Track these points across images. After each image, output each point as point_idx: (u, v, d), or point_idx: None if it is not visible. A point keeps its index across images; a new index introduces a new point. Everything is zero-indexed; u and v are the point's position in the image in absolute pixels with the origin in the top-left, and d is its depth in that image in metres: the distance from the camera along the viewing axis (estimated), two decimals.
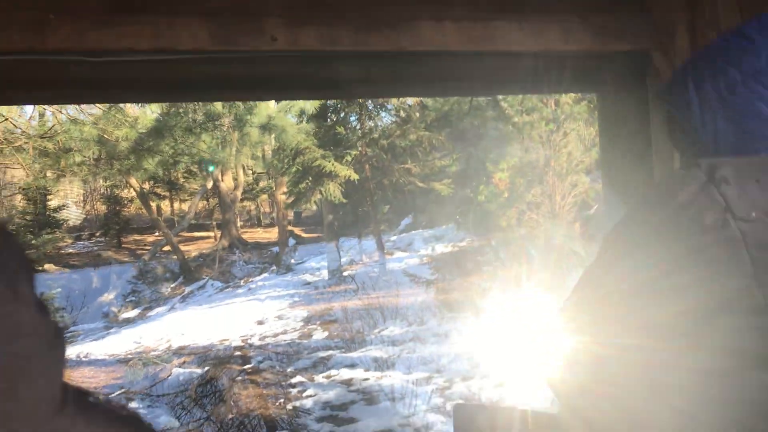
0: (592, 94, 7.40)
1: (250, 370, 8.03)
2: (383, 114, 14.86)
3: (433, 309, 9.98)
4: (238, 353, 9.10)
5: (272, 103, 12.12)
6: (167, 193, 26.69)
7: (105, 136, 10.28)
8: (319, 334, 9.68)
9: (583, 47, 1.82)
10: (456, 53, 1.78)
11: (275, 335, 10.06)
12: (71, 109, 10.65)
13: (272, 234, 23.90)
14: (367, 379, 6.93)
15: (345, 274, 14.90)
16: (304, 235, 24.20)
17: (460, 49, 1.76)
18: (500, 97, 10.49)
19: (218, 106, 10.30)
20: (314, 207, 17.89)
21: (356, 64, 1.80)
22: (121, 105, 9.76)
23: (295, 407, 6.41)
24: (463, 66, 1.98)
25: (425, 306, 10.26)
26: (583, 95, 9.47)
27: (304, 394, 6.76)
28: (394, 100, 13.93)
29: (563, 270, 8.68)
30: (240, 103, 10.14)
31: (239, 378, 7.65)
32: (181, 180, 24.98)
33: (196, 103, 9.76)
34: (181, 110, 10.36)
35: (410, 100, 14.50)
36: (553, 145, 9.63)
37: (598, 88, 2.10)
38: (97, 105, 9.57)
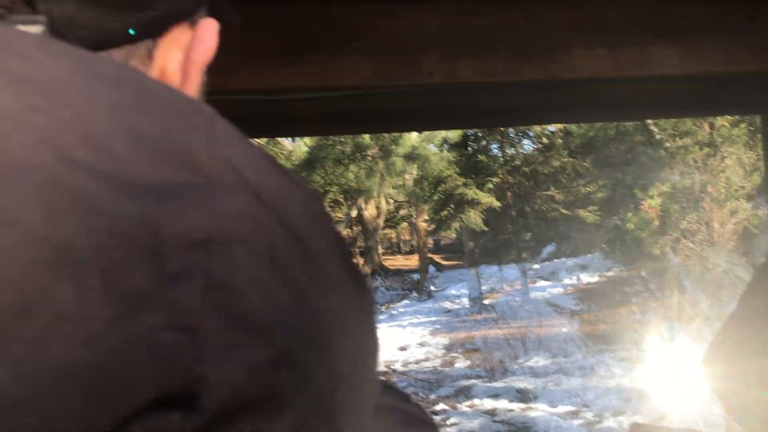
0: (754, 116, 6.93)
1: None
2: (525, 141, 14.72)
3: (578, 341, 9.65)
4: (381, 378, 9.27)
5: (415, 133, 12.42)
6: None
7: None
8: (461, 362, 9.65)
9: (745, 68, 1.76)
10: (608, 80, 1.79)
11: (417, 362, 10.14)
12: None
13: (412, 261, 24.17)
14: (511, 410, 6.82)
15: (486, 302, 14.76)
16: (444, 262, 24.27)
17: (614, 76, 1.76)
18: (649, 120, 10.08)
19: (366, 138, 10.72)
20: (454, 235, 17.92)
21: (509, 94, 1.86)
22: (278, 139, 10.41)
23: None
24: (614, 91, 1.98)
25: (569, 338, 9.94)
26: (741, 117, 8.87)
27: (448, 422, 6.77)
28: (537, 127, 13.79)
29: (723, 300, 8.11)
30: (386, 134, 10.50)
31: None
32: (328, 209, 25.96)
33: (351, 135, 10.21)
34: (330, 143, 10.89)
35: (552, 126, 14.26)
36: (709, 169, 9.08)
37: (762, 110, 2.01)
38: (256, 138, 10.22)
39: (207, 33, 0.41)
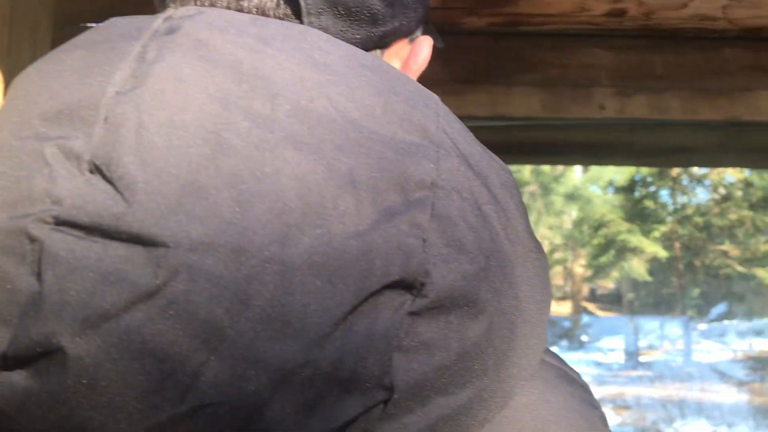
0: None
1: None
2: (699, 189, 13.82)
3: (745, 413, 8.80)
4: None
5: (578, 172, 12.10)
6: None
7: None
8: (611, 419, 9.15)
9: None
10: None
11: None
12: None
13: (564, 308, 23.35)
14: None
15: (642, 358, 13.90)
16: (598, 312, 23.22)
17: None
18: None
19: (526, 174, 10.62)
20: (612, 284, 17.12)
21: (684, 132, 1.79)
22: None
23: None
24: None
25: (736, 409, 9.10)
26: None
27: None
28: (714, 176, 12.90)
29: None
30: (546, 170, 10.33)
31: None
32: None
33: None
34: None
35: (731, 177, 13.28)
36: None
37: None
38: None
39: (423, 48, 0.51)
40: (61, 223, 0.28)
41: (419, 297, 0.31)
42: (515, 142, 1.89)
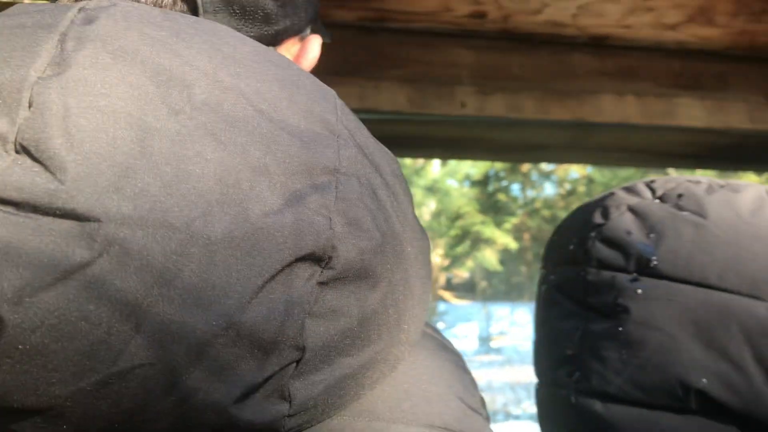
0: None
1: None
2: (546, 184, 14.76)
3: None
4: None
5: (436, 166, 12.51)
6: None
7: None
8: None
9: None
10: (636, 126, 1.84)
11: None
12: None
13: None
14: None
15: (493, 344, 14.67)
16: (454, 300, 24.17)
17: (641, 122, 1.82)
18: (671, 169, 10.09)
19: None
20: (466, 273, 17.87)
21: (537, 131, 1.92)
22: None
23: None
24: (640, 138, 2.03)
25: None
26: None
27: None
28: (560, 172, 13.82)
29: None
30: (409, 164, 10.58)
31: None
32: None
33: None
34: None
35: (575, 173, 14.30)
36: None
37: None
38: None
39: (313, 46, 0.55)
40: None
41: (327, 269, 0.35)
42: (383, 135, 1.93)
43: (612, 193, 0.62)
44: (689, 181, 0.60)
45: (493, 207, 13.74)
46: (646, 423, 0.52)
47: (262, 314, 0.32)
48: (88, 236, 0.29)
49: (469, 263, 14.43)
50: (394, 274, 0.39)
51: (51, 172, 0.29)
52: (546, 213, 13.67)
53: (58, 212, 0.29)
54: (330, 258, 0.35)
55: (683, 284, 0.51)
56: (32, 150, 0.30)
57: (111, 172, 0.30)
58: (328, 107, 0.39)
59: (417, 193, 11.57)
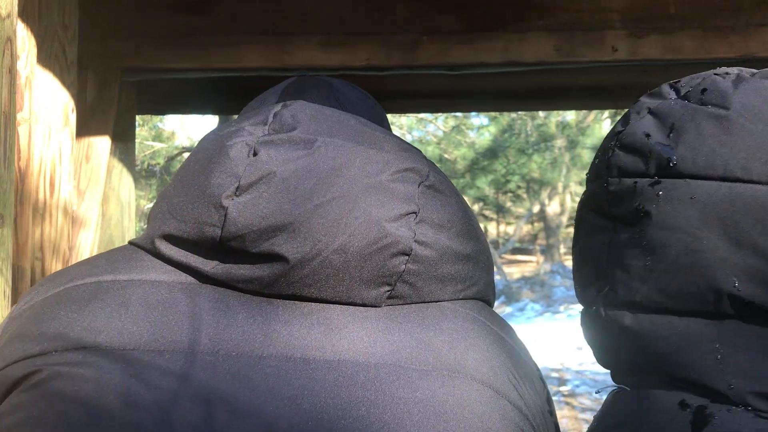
0: None
1: (566, 393, 7.99)
2: None
3: None
4: (554, 375, 9.10)
5: (605, 124, 11.91)
6: (495, 216, 27.61)
7: (446, 155, 11.20)
8: None
9: None
10: None
11: (593, 363, 9.80)
12: (416, 131, 11.80)
13: None
14: None
15: None
16: None
17: None
18: None
19: (552, 127, 10.50)
20: None
21: (698, 72, 1.80)
22: (463, 127, 10.54)
23: None
24: None
25: None
26: None
27: None
28: None
29: None
30: (573, 124, 10.20)
31: (555, 398, 7.67)
32: (509, 203, 25.66)
33: (535, 114, 10.06)
34: (516, 132, 10.82)
35: None
36: None
37: None
38: (442, 126, 10.49)
39: None
40: None
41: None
42: (527, 87, 1.91)
43: (637, 100, 0.59)
44: (716, 74, 0.56)
45: None
46: (676, 331, 0.50)
47: None
48: None
49: None
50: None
51: None
52: None
53: None
54: None
55: (705, 180, 0.48)
56: None
57: None
58: None
59: (584, 154, 11.12)
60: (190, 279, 0.50)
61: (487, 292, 0.58)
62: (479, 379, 0.49)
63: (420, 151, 0.57)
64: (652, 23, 1.69)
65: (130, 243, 0.55)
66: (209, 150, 0.52)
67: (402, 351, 0.48)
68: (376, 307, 0.49)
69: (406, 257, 0.49)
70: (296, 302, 0.49)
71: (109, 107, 1.63)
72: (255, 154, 0.49)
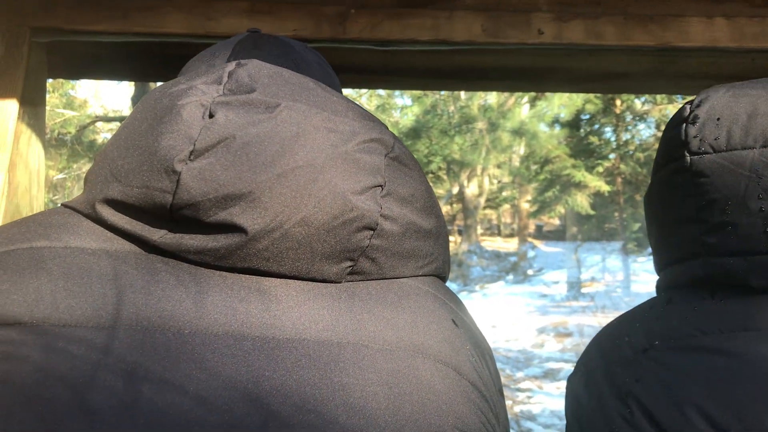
0: None
1: None
2: (641, 126, 14.14)
3: None
4: None
5: (525, 109, 12.21)
6: None
7: None
8: (552, 345, 9.56)
9: None
10: (725, 50, 1.75)
11: (507, 340, 10.13)
12: None
13: (511, 244, 23.86)
14: None
15: (584, 290, 14.44)
16: (544, 248, 23.84)
17: (731, 46, 1.72)
18: None
19: (474, 109, 10.66)
20: (557, 222, 17.54)
21: (618, 58, 1.85)
22: (387, 107, 10.54)
23: (522, 411, 6.45)
24: (730, 63, 1.93)
25: None
26: None
27: (532, 400, 6.76)
28: (655, 113, 13.20)
29: None
30: (494, 107, 10.39)
31: None
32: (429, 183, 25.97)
33: (457, 96, 10.19)
34: (438, 113, 10.93)
35: (671, 113, 13.58)
36: None
37: None
38: (366, 105, 10.44)
39: None
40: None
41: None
42: (456, 67, 1.92)
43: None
44: None
45: (584, 151, 13.33)
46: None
47: None
48: None
49: (559, 209, 14.13)
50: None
51: None
52: (640, 156, 13.14)
53: None
54: None
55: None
56: None
57: None
58: None
59: (504, 137, 11.37)
60: (134, 248, 0.45)
61: (444, 269, 0.57)
62: (442, 359, 0.48)
63: (381, 122, 0.54)
64: (576, 8, 1.72)
65: (64, 205, 0.50)
66: (157, 109, 0.47)
67: (364, 330, 0.46)
68: (336, 283, 0.47)
69: (371, 232, 0.47)
70: (250, 276, 0.45)
71: (16, 69, 1.53)
72: (211, 116, 0.45)
